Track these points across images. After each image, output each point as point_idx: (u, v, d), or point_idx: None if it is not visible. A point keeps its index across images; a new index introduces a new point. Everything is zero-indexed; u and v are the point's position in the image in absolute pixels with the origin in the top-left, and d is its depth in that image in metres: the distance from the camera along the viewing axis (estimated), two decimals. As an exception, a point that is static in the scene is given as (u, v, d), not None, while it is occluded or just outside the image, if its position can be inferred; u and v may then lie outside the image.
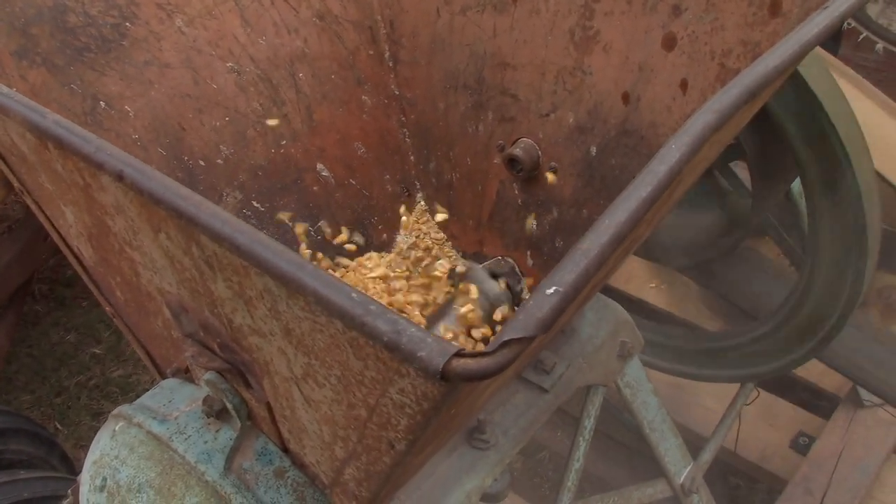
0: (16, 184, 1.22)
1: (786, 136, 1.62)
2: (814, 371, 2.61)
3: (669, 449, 1.71)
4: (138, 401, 1.24)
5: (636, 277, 2.92)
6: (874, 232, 1.67)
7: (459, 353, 0.66)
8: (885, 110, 2.00)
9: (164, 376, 1.34)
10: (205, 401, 1.13)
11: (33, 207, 1.25)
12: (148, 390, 1.26)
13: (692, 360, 2.00)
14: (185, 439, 1.13)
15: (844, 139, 1.58)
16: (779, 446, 2.43)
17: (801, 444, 2.40)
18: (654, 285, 2.95)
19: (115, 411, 1.24)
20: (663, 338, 2.04)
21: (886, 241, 2.81)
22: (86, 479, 1.21)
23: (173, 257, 0.98)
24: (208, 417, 1.14)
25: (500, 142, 1.50)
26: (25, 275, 3.25)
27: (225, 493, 1.10)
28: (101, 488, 1.16)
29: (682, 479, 1.74)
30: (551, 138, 1.43)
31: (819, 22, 0.90)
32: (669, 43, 1.26)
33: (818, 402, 2.52)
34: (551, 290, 0.68)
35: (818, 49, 1.65)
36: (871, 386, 2.09)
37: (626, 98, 1.33)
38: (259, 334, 0.95)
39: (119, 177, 0.86)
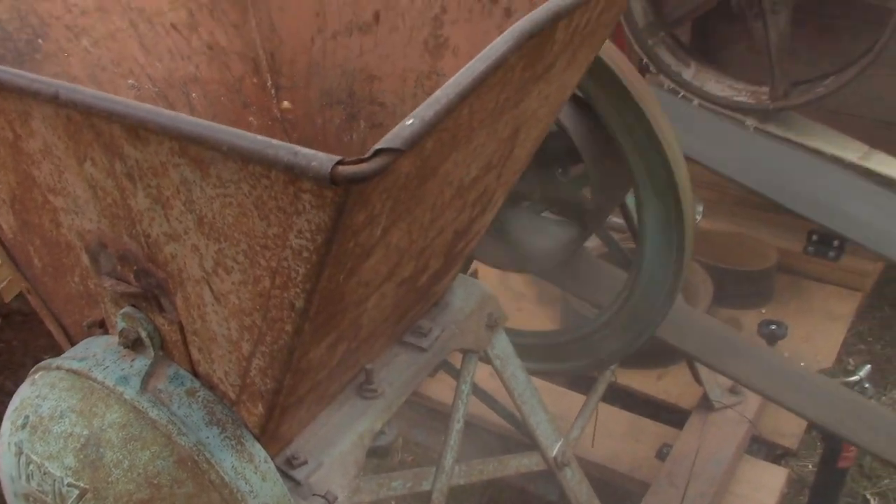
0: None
1: (623, 152, 1.92)
2: (673, 393, 2.88)
3: (540, 423, 1.90)
4: (54, 358, 1.36)
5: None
6: (690, 228, 1.96)
7: (342, 161, 0.87)
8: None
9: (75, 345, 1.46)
10: (121, 333, 1.28)
11: (-46, 191, 1.39)
12: (63, 352, 1.39)
13: (546, 356, 2.23)
14: (104, 369, 1.27)
15: (667, 151, 1.90)
16: (646, 458, 2.65)
17: (665, 453, 2.62)
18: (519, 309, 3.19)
19: (34, 368, 1.36)
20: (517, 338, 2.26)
21: (726, 279, 3.16)
22: (6, 427, 1.31)
23: (96, 185, 1.15)
24: (124, 349, 1.28)
25: (373, 146, 1.74)
26: None
27: (142, 407, 1.23)
28: (23, 426, 1.27)
29: (554, 453, 1.93)
30: (415, 134, 1.68)
31: (604, -25, 1.19)
32: (504, 38, 1.54)
33: (677, 418, 2.77)
34: (410, 121, 0.91)
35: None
36: (724, 368, 2.33)
37: (474, 90, 1.59)
38: (174, 238, 1.13)
39: (55, 97, 1.04)
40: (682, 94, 2.93)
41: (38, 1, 1.53)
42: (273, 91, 1.83)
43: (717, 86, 2.94)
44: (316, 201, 0.93)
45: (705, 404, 2.63)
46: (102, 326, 1.37)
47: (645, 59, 2.95)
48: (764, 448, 2.74)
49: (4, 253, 1.42)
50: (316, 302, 1.06)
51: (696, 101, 2.92)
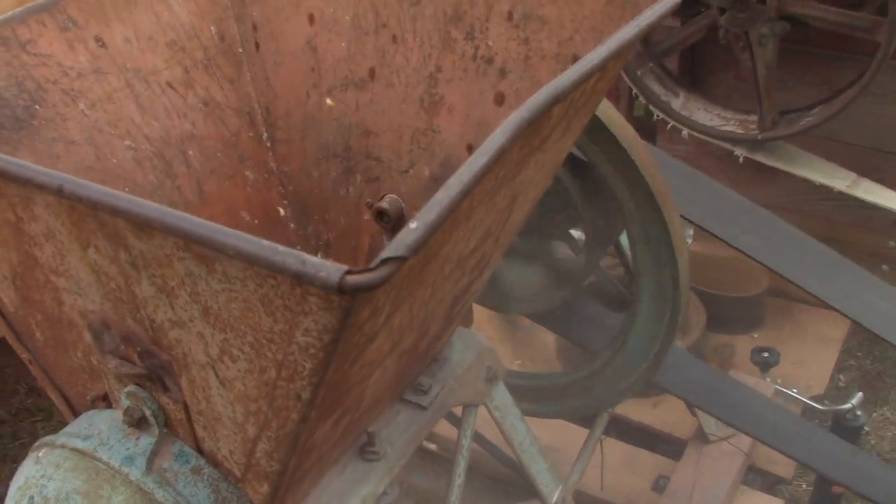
0: (-61, 242, 1.36)
1: (615, 197, 1.94)
2: (668, 422, 2.90)
3: (540, 471, 1.92)
4: (59, 432, 1.36)
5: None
6: (685, 271, 1.98)
7: (350, 271, 0.88)
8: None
9: (78, 416, 1.46)
10: (125, 412, 1.28)
11: (-46, 265, 1.39)
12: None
13: (541, 398, 2.25)
14: (108, 449, 1.27)
15: (658, 197, 1.91)
16: (642, 490, 2.67)
17: (661, 486, 2.64)
18: (519, 362, 3.21)
19: (36, 443, 1.36)
20: (519, 380, 2.27)
21: (718, 305, 3.18)
22: (10, 504, 1.32)
23: (100, 270, 1.16)
24: (129, 427, 1.29)
25: (369, 200, 1.75)
26: None
27: (148, 489, 1.24)
28: (28, 506, 1.27)
29: (554, 499, 1.94)
30: (412, 190, 1.69)
31: (600, 53, 1.20)
32: (500, 99, 1.55)
33: (673, 448, 2.79)
34: (414, 225, 0.92)
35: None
36: (717, 412, 2.36)
37: (469, 149, 1.61)
38: (179, 325, 1.13)
39: (59, 191, 1.05)
40: (671, 124, 2.95)
41: (34, 66, 1.53)
42: (269, 144, 1.84)
43: (705, 115, 2.96)
44: (323, 304, 0.94)
45: (701, 436, 2.65)
46: (106, 400, 1.38)
47: (634, 90, 2.97)
48: (759, 478, 2.76)
49: (5, 325, 1.42)
50: (322, 392, 1.07)
51: (685, 132, 2.94)
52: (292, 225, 1.85)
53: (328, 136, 1.77)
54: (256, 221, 1.80)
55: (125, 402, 1.29)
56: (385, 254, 0.89)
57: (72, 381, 1.43)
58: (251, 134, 1.82)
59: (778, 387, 2.88)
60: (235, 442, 1.23)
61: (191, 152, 1.73)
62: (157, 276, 1.09)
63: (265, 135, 1.83)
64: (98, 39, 1.61)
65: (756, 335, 3.27)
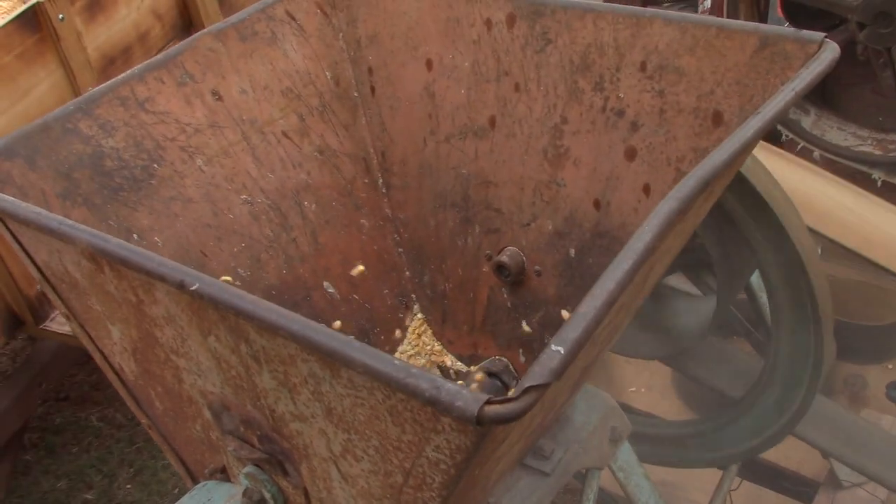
0: (62, 309, 1.36)
1: (748, 240, 1.82)
2: (794, 459, 2.74)
3: (664, 530, 1.82)
4: (178, 502, 1.34)
5: (615, 383, 3.07)
6: (827, 316, 1.84)
7: (490, 401, 0.81)
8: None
9: (196, 482, 1.44)
10: (245, 493, 1.25)
11: (76, 331, 1.39)
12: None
13: (673, 446, 2.14)
14: (228, 531, 1.24)
15: (795, 240, 1.78)
16: (768, 534, 2.53)
17: (789, 530, 2.50)
18: (633, 389, 3.10)
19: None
20: (647, 427, 2.17)
21: (847, 334, 3.00)
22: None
23: (220, 358, 1.12)
24: (248, 509, 1.25)
25: (488, 251, 1.68)
26: (20, 422, 3.31)
27: (267, 576, 1.20)
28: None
29: (679, 560, 1.84)
30: (534, 245, 1.61)
31: (753, 125, 1.10)
32: (631, 154, 1.45)
33: (800, 489, 2.64)
34: (558, 347, 0.84)
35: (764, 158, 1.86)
36: (849, 461, 2.22)
37: (597, 204, 1.51)
38: (300, 419, 1.08)
39: (180, 285, 1.01)
40: (801, 145, 2.77)
41: (153, 125, 1.52)
42: (384, 190, 1.79)
43: (839, 134, 2.77)
44: (458, 426, 0.87)
45: (832, 481, 2.49)
46: (224, 473, 1.35)
47: (761, 108, 2.80)
48: (895, 524, 2.58)
49: (126, 392, 1.41)
50: (451, 501, 1.01)
51: (816, 153, 2.76)
52: (408, 273, 1.80)
53: (446, 185, 1.71)
54: (371, 271, 1.76)
55: (244, 482, 1.25)
56: (528, 381, 0.81)
57: (190, 450, 1.41)
58: (366, 181, 1.77)
59: (916, 424, 2.69)
60: (357, 533, 1.18)
61: (306, 203, 1.69)
62: (279, 371, 1.04)
63: (381, 181, 1.78)
64: (214, 93, 1.59)
65: (890, 366, 3.07)
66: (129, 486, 3.64)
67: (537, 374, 0.82)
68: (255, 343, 1.04)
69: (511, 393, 0.82)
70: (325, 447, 1.08)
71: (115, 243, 1.08)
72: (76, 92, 2.91)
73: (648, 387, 3.08)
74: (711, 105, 1.36)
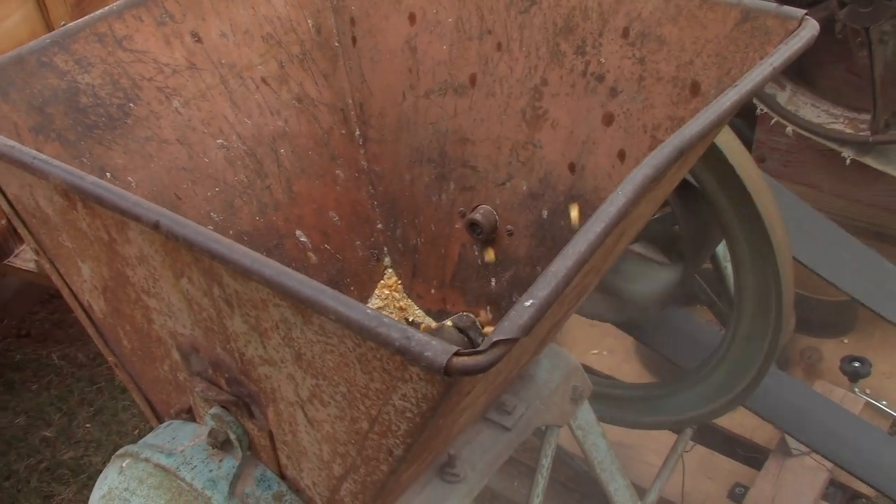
0: (32, 244, 1.35)
1: (716, 208, 1.84)
2: (748, 426, 2.81)
3: (619, 489, 1.87)
4: (142, 440, 1.36)
5: (578, 344, 3.11)
6: (789, 291, 1.88)
7: (458, 352, 0.82)
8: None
9: (161, 422, 1.46)
10: (210, 433, 1.26)
11: (46, 266, 1.38)
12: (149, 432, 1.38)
13: (631, 408, 2.18)
14: (192, 469, 1.26)
15: (765, 215, 1.81)
16: (718, 497, 2.60)
17: (738, 494, 2.57)
18: (595, 352, 3.14)
19: (120, 451, 1.36)
20: (607, 388, 2.21)
21: (806, 307, 3.06)
22: (94, 513, 1.32)
23: (192, 300, 1.13)
24: (213, 449, 1.27)
25: (462, 209, 1.69)
26: (-23, 359, 3.29)
27: (230, 515, 1.22)
28: (112, 519, 1.27)
29: (631, 518, 1.89)
30: (507, 204, 1.62)
31: (730, 97, 1.11)
32: (608, 119, 1.47)
33: (752, 455, 2.71)
34: (528, 303, 0.86)
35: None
36: (798, 434, 2.28)
37: (572, 167, 1.53)
38: (269, 363, 1.10)
39: (155, 225, 1.01)
40: (774, 119, 2.80)
41: (130, 63, 1.50)
42: (361, 142, 1.79)
43: (812, 111, 2.80)
44: (425, 376, 0.89)
45: (783, 448, 2.56)
46: (190, 413, 1.36)
47: (738, 80, 2.81)
48: (839, 492, 2.67)
49: (94, 330, 1.42)
50: (415, 449, 1.03)
51: (789, 129, 2.79)
52: (380, 225, 1.81)
53: (423, 140, 1.71)
54: (344, 222, 1.76)
55: (210, 423, 1.27)
56: (496, 334, 0.83)
57: (156, 390, 1.42)
58: (343, 131, 1.77)
59: (867, 398, 2.77)
60: (320, 476, 1.20)
61: (282, 151, 1.69)
62: (251, 315, 1.05)
63: (357, 132, 1.78)
64: (194, 34, 1.57)
65: (846, 340, 3.14)
66: (88, 426, 3.64)
67: (506, 328, 0.84)
68: (227, 287, 1.04)
69: (482, 345, 0.84)
70: (293, 392, 1.10)
71: (90, 181, 1.07)
72: (48, 25, 2.86)
73: (610, 350, 3.13)
74: (690, 75, 1.38)
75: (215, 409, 1.25)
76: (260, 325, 1.05)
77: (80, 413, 3.72)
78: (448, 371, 0.82)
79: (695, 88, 1.37)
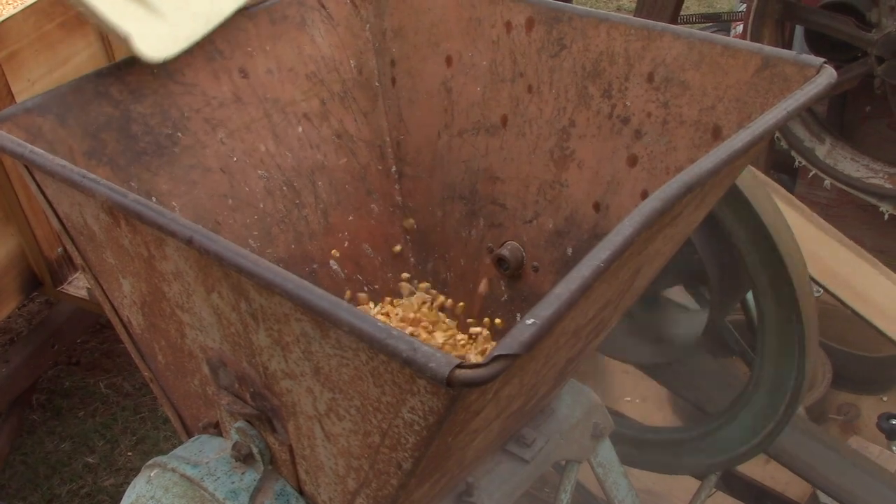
0: (79, 260, 1.43)
1: (742, 258, 1.87)
2: (779, 480, 2.78)
3: (639, 530, 1.87)
4: (171, 452, 1.42)
5: (612, 390, 3.12)
6: (812, 337, 1.89)
7: (461, 365, 0.87)
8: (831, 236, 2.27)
9: (190, 436, 1.52)
10: (234, 447, 1.32)
11: (91, 282, 1.46)
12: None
13: (654, 451, 2.19)
14: (215, 480, 1.31)
15: (787, 260, 1.83)
16: (748, 552, 2.57)
17: (768, 549, 2.54)
18: (629, 399, 3.14)
19: (150, 462, 1.42)
20: (625, 429, 2.22)
21: (845, 362, 3.04)
22: (121, 520, 1.37)
23: (221, 314, 1.19)
24: (236, 462, 1.32)
25: (490, 244, 1.74)
26: (30, 381, 3.40)
27: (249, 525, 1.27)
28: (137, 525, 1.32)
29: (651, 561, 1.89)
30: (534, 241, 1.67)
31: (742, 137, 1.15)
32: (632, 160, 1.51)
33: (783, 509, 2.67)
34: (531, 321, 0.90)
35: (766, 182, 1.92)
36: (830, 491, 2.26)
37: (596, 207, 1.57)
38: (291, 377, 1.15)
39: (188, 241, 1.08)
40: (813, 172, 2.82)
41: (180, 95, 1.59)
42: (396, 178, 1.86)
43: (852, 165, 2.81)
44: (431, 388, 0.93)
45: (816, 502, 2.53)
46: (217, 427, 1.42)
47: (776, 133, 2.85)
48: (874, 551, 2.61)
49: (132, 344, 1.49)
50: (423, 463, 1.07)
51: (827, 182, 2.80)
52: (412, 259, 1.87)
53: (455, 178, 1.77)
54: (377, 255, 1.82)
55: (234, 436, 1.32)
56: (498, 350, 0.88)
57: (187, 404, 1.48)
58: (380, 167, 1.84)
59: (904, 458, 2.72)
60: (335, 491, 1.25)
61: (320, 183, 1.76)
62: (274, 329, 1.11)
63: (394, 168, 1.85)
64: (241, 70, 1.66)
65: (885, 398, 3.10)
66: (129, 454, 3.72)
67: (507, 344, 0.88)
68: (254, 301, 1.11)
69: (483, 359, 0.88)
70: (312, 405, 1.15)
71: (132, 198, 1.15)
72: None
73: (643, 398, 3.13)
74: (712, 119, 1.42)
75: (240, 423, 1.31)
76: (282, 338, 1.11)
77: (123, 441, 3.81)
78: (450, 382, 0.87)
79: (716, 132, 1.41)
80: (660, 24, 1.46)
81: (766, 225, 1.81)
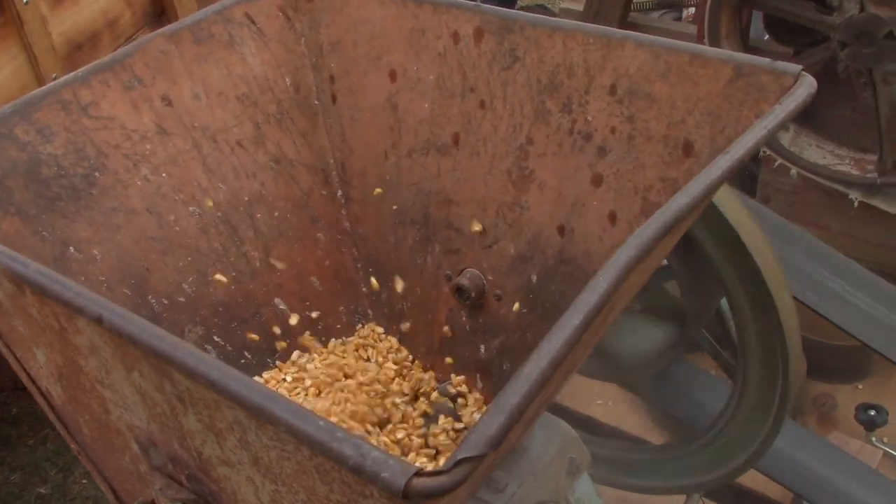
0: (-12, 328, 1.27)
1: (712, 262, 1.76)
2: (759, 480, 2.70)
3: (622, 563, 1.76)
4: (104, 536, 1.27)
5: (582, 394, 3.01)
6: (794, 341, 1.79)
7: (419, 473, 0.74)
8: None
9: (127, 511, 1.37)
10: (172, 532, 1.17)
11: (3, 350, 1.30)
12: (113, 525, 1.30)
13: (636, 472, 2.08)
14: (154, 571, 1.17)
15: (760, 262, 1.73)
16: (730, 558, 2.49)
17: (751, 555, 2.46)
18: (600, 402, 3.04)
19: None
20: (608, 451, 2.11)
21: (818, 352, 2.96)
22: None
23: (145, 394, 1.05)
24: (175, 548, 1.18)
25: (448, 272, 1.61)
26: (-26, 413, 3.22)
27: None
28: None
29: None
30: (495, 268, 1.54)
31: (721, 165, 1.03)
32: (597, 180, 1.39)
33: (764, 511, 2.59)
34: (496, 412, 0.77)
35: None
36: (811, 497, 2.18)
37: (561, 230, 1.45)
38: (228, 464, 1.01)
39: (98, 320, 0.93)
40: (778, 162, 2.72)
41: (96, 131, 1.43)
42: (343, 202, 1.71)
43: (817, 152, 2.72)
44: (386, 495, 0.80)
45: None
46: (154, 506, 1.28)
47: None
48: (860, 549, 2.54)
49: (55, 416, 1.34)
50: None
51: (793, 171, 2.71)
52: (364, 290, 1.73)
53: (406, 201, 1.63)
54: (326, 287, 1.68)
55: (174, 521, 1.18)
56: (462, 451, 0.75)
57: (120, 479, 1.34)
58: (324, 192, 1.69)
59: (885, 447, 2.66)
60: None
61: (259, 215, 1.61)
62: (205, 415, 0.97)
63: (339, 192, 1.70)
64: (164, 98, 1.51)
65: (861, 385, 3.03)
66: (84, 482, 3.55)
67: (472, 443, 0.75)
68: (179, 383, 0.96)
69: (445, 463, 0.75)
70: (254, 495, 1.01)
71: (33, 269, 1.00)
72: (39, 78, 2.81)
73: (615, 400, 3.03)
74: (682, 134, 1.30)
75: (178, 507, 1.17)
76: (214, 425, 0.97)
77: (76, 469, 3.63)
78: (407, 495, 0.73)
79: (687, 148, 1.29)
80: (620, 32, 1.33)
81: (734, 226, 1.71)
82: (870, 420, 2.69)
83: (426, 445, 1.50)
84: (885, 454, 2.63)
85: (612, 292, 0.88)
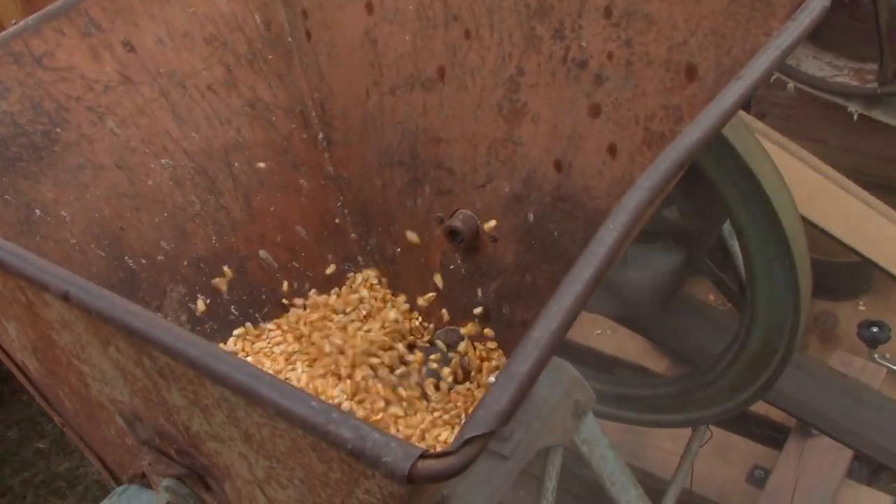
0: (-46, 302, 1.19)
1: (713, 183, 1.68)
2: (762, 404, 2.67)
3: (631, 500, 1.73)
4: (96, 511, 1.21)
5: (581, 325, 2.96)
6: (803, 262, 1.73)
7: (424, 455, 0.67)
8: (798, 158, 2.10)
9: (119, 483, 1.31)
10: (165, 508, 1.12)
11: (-27, 324, 1.22)
12: (105, 498, 1.24)
13: (641, 407, 2.04)
14: (148, 548, 1.11)
15: (765, 181, 1.65)
16: (736, 482, 2.47)
17: (758, 478, 2.44)
18: (599, 332, 2.99)
19: (72, 525, 1.21)
20: (611, 386, 2.07)
21: (819, 270, 2.90)
22: None
23: (124, 369, 0.97)
24: (170, 524, 1.13)
25: (439, 214, 1.53)
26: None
27: None
28: None
29: (646, 529, 1.75)
30: (489, 207, 1.46)
31: (735, 92, 0.95)
32: (595, 110, 1.30)
33: (770, 434, 2.57)
34: (506, 383, 0.70)
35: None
36: (814, 422, 2.15)
37: (557, 165, 1.36)
38: (218, 440, 0.95)
39: (65, 297, 0.86)
40: (774, 76, 2.62)
41: (53, 83, 1.33)
42: (325, 145, 1.62)
43: (814, 64, 2.62)
44: (389, 484, 0.73)
45: (802, 428, 2.42)
46: (144, 478, 1.21)
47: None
48: (864, 466, 2.53)
49: (34, 390, 1.26)
50: (389, 537, 0.88)
51: (790, 85, 2.61)
52: (353, 235, 1.65)
53: (391, 141, 1.54)
54: (313, 236, 1.60)
55: (165, 495, 1.12)
56: (469, 430, 0.68)
57: (108, 451, 1.27)
58: (304, 136, 1.60)
59: (888, 364, 2.63)
60: (291, 554, 1.06)
61: (237, 164, 1.52)
62: (189, 391, 0.90)
63: (321, 135, 1.61)
64: (126, 44, 1.40)
65: (861, 302, 2.99)
66: (82, 435, 3.50)
67: (481, 419, 0.68)
68: (158, 359, 0.89)
69: (453, 442, 0.68)
70: (248, 470, 0.95)
71: (-10, 242, 0.91)
72: (-2, 25, 2.67)
73: (613, 329, 2.98)
74: (684, 57, 1.20)
75: (168, 482, 1.10)
76: (200, 400, 0.90)
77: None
78: (412, 479, 0.67)
79: (691, 72, 1.20)
80: (614, -53, 1.23)
81: (743, 156, 1.63)
82: (872, 337, 2.65)
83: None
84: (889, 371, 2.60)
85: (623, 240, 0.81)
